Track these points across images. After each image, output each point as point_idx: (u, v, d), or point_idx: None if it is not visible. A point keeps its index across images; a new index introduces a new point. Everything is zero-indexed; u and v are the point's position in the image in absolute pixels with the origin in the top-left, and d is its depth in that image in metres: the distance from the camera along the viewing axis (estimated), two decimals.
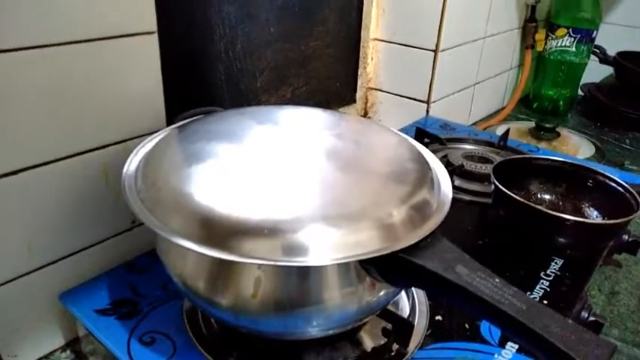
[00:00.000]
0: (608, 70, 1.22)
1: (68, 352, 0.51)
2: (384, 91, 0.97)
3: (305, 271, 0.35)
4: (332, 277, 0.36)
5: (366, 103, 0.99)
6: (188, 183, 0.37)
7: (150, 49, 0.49)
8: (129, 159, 0.42)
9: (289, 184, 0.38)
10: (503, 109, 1.18)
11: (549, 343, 0.28)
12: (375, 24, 0.92)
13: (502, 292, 0.31)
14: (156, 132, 0.46)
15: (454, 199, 0.40)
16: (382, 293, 0.38)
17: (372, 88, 0.98)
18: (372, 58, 0.95)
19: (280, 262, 0.32)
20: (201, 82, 0.67)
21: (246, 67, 0.72)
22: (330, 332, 0.40)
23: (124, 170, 0.40)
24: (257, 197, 0.36)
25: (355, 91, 0.96)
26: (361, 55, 0.93)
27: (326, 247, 0.33)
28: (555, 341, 0.28)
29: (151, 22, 0.48)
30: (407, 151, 0.44)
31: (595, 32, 1.12)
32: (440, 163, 0.45)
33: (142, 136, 0.50)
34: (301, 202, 0.36)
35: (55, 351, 0.51)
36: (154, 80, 0.50)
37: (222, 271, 0.36)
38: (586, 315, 0.52)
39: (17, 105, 0.41)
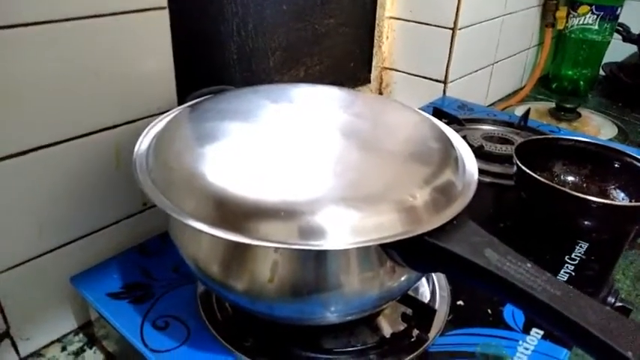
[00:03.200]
0: (631, 49, 1.18)
1: (81, 335, 0.50)
2: (399, 71, 0.95)
3: (324, 255, 0.34)
4: (352, 261, 0.34)
5: (380, 83, 0.97)
6: (201, 163, 0.35)
7: (160, 26, 0.47)
8: (139, 139, 0.40)
9: (306, 164, 0.36)
10: (521, 89, 1.15)
11: (587, 332, 0.27)
12: (391, 1, 0.89)
13: (535, 277, 0.29)
14: (167, 111, 0.45)
15: None
16: (403, 278, 0.37)
17: (387, 68, 0.95)
18: (387, 37, 0.92)
19: (299, 245, 0.31)
20: (213, 61, 0.65)
21: (258, 46, 0.70)
22: (349, 318, 0.39)
23: (135, 150, 0.39)
24: (273, 178, 0.34)
25: (370, 70, 0.93)
26: (376, 33, 0.90)
27: (346, 230, 0.32)
28: (593, 330, 0.26)
29: None
30: (429, 130, 0.42)
31: (619, 9, 1.08)
32: (464, 143, 0.43)
33: (153, 115, 0.49)
34: (319, 183, 0.34)
35: (67, 334, 0.50)
36: (165, 58, 0.49)
37: (238, 255, 0.35)
38: (613, 300, 0.50)
39: (26, 83, 0.40)
